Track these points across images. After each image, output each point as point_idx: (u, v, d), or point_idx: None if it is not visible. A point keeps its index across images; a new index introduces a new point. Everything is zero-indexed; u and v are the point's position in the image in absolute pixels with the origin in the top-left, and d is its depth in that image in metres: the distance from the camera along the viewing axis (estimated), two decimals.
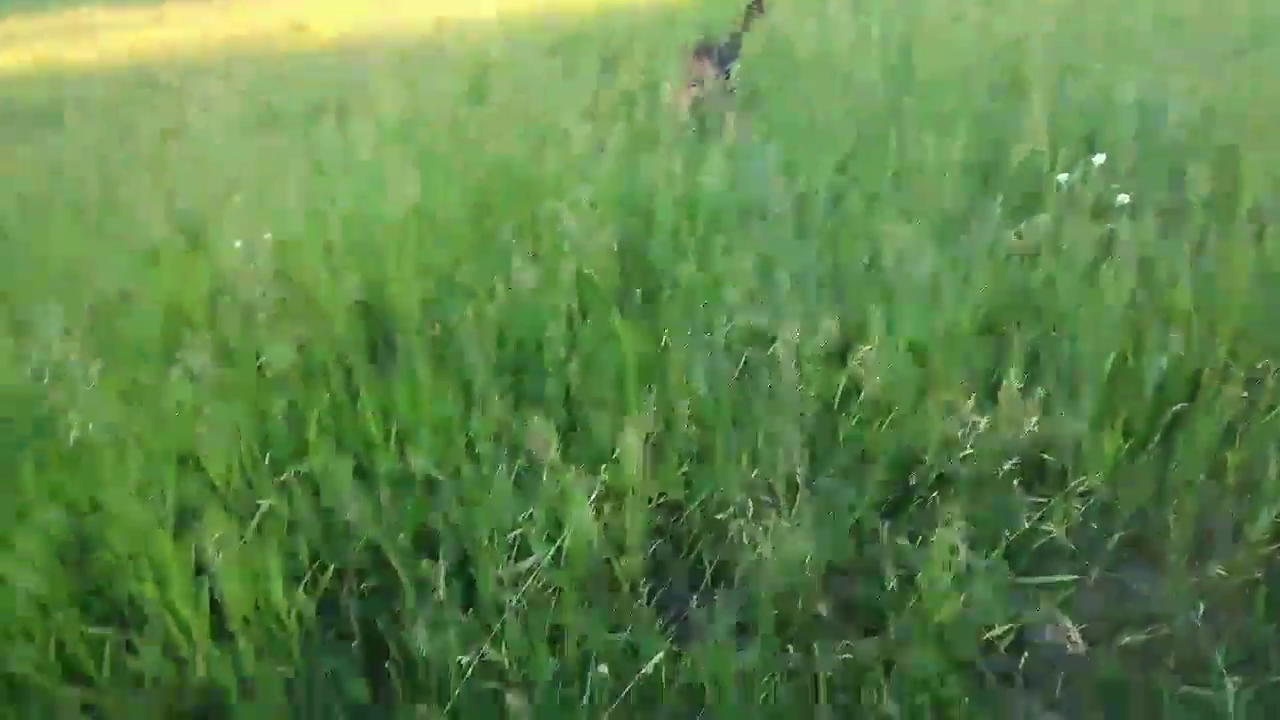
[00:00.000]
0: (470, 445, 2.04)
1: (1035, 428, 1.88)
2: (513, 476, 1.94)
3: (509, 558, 1.77)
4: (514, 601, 1.67)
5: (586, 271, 2.53)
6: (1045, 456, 2.04)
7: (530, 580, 1.72)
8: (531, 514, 1.82)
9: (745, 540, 1.75)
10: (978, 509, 1.87)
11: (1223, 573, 1.80)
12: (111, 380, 2.29)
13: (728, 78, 4.23)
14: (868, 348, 2.04)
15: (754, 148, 3.50)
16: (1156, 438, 2.04)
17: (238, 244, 2.72)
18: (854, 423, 2.11)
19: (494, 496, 1.88)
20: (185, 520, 1.90)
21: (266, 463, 2.04)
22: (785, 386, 2.02)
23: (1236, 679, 1.56)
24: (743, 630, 1.73)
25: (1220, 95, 3.70)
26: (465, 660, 1.59)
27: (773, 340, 2.06)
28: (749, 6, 4.57)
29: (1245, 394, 2.03)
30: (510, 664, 1.60)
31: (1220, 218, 2.64)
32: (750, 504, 1.79)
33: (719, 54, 4.28)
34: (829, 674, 1.60)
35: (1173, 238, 2.55)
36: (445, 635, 1.63)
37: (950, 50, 4.72)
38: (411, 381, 2.19)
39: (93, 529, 1.88)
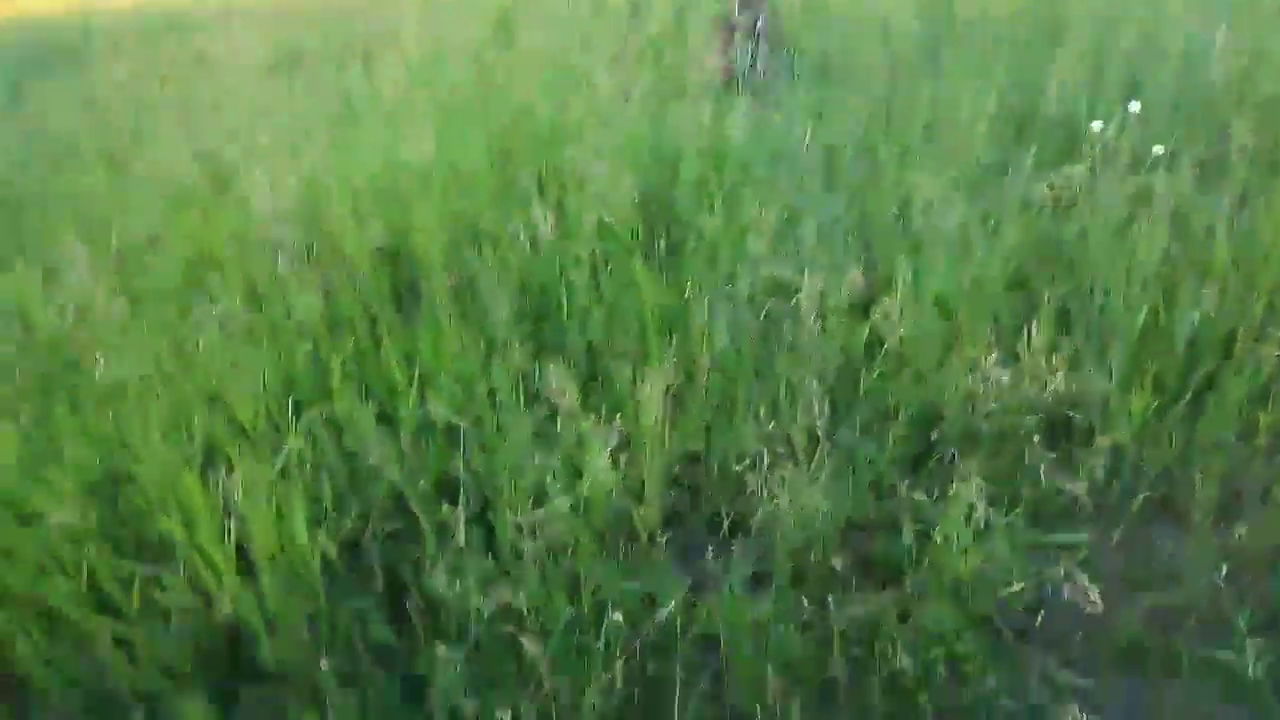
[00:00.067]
0: (491, 393, 2.05)
1: (1061, 384, 1.85)
2: (533, 425, 1.95)
3: (528, 505, 1.79)
4: (532, 548, 1.68)
5: (608, 221, 2.50)
6: (1071, 414, 2.01)
7: (549, 528, 1.73)
8: (551, 462, 1.83)
9: (763, 492, 1.75)
10: (999, 466, 1.85)
11: (1248, 535, 1.78)
12: (139, 323, 2.33)
13: (758, 26, 4.14)
14: (893, 300, 2.01)
15: (784, 97, 3.44)
16: (1186, 396, 2.00)
17: (264, 188, 2.72)
18: (876, 376, 2.09)
19: (514, 444, 1.89)
20: (212, 460, 1.93)
21: (291, 407, 2.06)
22: (808, 339, 2.01)
23: (1258, 641, 1.55)
24: (759, 582, 1.74)
25: (1265, 46, 3.56)
26: (484, 605, 1.61)
27: (797, 292, 2.04)
28: None
29: None
30: (528, 610, 1.62)
31: (1261, 172, 2.56)
32: (769, 456, 1.78)
33: (751, 2, 4.18)
34: (843, 627, 1.60)
35: (1211, 191, 2.48)
36: (465, 580, 1.65)
37: None
38: (434, 329, 2.20)
39: (122, 467, 1.92)
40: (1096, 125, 2.71)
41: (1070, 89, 3.10)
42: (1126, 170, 2.56)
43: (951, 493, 1.62)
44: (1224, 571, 1.70)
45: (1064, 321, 2.16)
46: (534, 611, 1.64)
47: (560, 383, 1.85)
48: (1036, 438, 1.87)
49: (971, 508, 1.59)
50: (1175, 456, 1.95)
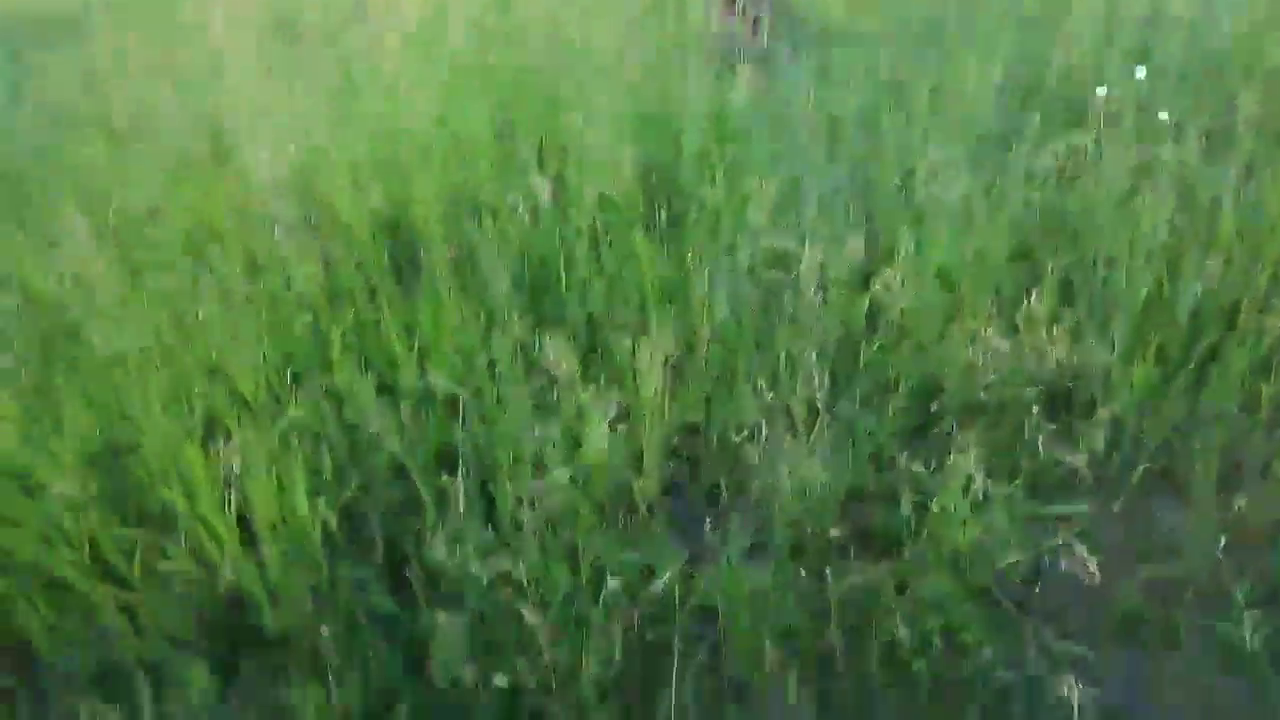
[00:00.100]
0: (491, 364, 2.05)
1: (1063, 356, 1.84)
2: (533, 396, 1.95)
3: (528, 476, 1.79)
4: (531, 519, 1.69)
5: (608, 192, 2.49)
6: (1072, 386, 2.00)
7: (548, 498, 1.74)
8: (550, 433, 1.83)
9: (763, 464, 1.75)
10: (999, 437, 1.85)
11: (1248, 507, 1.78)
12: (139, 293, 2.33)
13: None
14: (894, 272, 2.00)
15: (787, 66, 3.40)
16: (1189, 368, 2.00)
17: (264, 159, 2.71)
18: (877, 348, 2.09)
19: (513, 415, 1.89)
20: (213, 431, 1.94)
21: (290, 378, 2.06)
22: (808, 311, 2.00)
23: (1256, 614, 1.55)
24: (757, 552, 1.75)
25: (1276, 14, 3.51)
26: (483, 574, 1.62)
27: (798, 263, 2.03)
28: None
29: None
30: (527, 579, 1.63)
31: (1268, 142, 2.53)
32: (769, 428, 1.78)
33: None
34: (841, 597, 1.61)
35: (1217, 162, 2.46)
36: (465, 549, 1.66)
37: None
38: (434, 300, 2.19)
39: (123, 437, 1.92)
40: (1101, 92, 2.68)
41: (1077, 57, 3.06)
42: (1133, 140, 2.54)
43: (950, 464, 1.62)
44: (1223, 544, 1.70)
45: (1067, 293, 2.15)
46: (533, 581, 1.65)
47: (560, 354, 1.85)
48: (1036, 409, 1.86)
49: (970, 479, 1.59)
50: (1176, 428, 1.95)
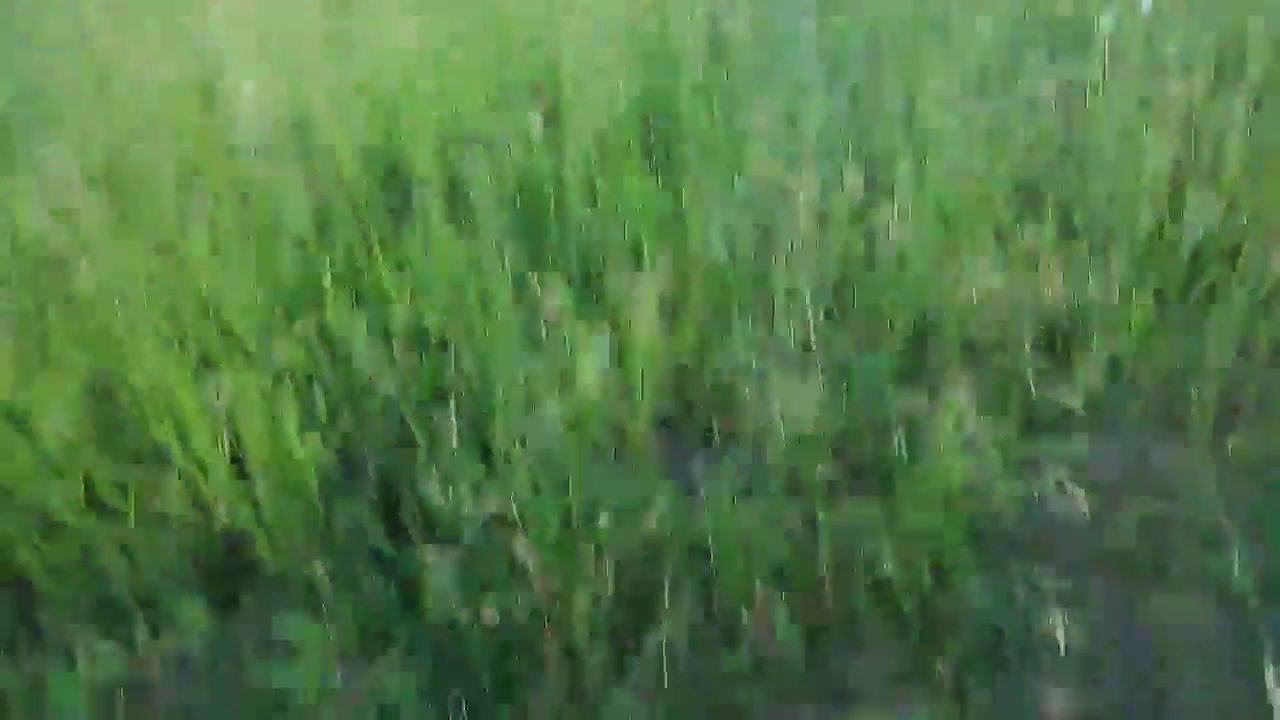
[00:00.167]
0: (483, 301, 2.03)
1: (1061, 292, 1.82)
2: (525, 333, 1.94)
3: (521, 413, 1.79)
4: (524, 456, 1.69)
5: (603, 127, 2.44)
6: (1069, 324, 1.99)
7: (541, 436, 1.73)
8: (543, 371, 1.82)
9: (757, 402, 1.75)
10: (993, 375, 1.84)
11: (1243, 445, 1.78)
12: (128, 227, 2.30)
13: None
14: (893, 205, 1.97)
15: None
16: (1188, 305, 1.98)
17: (251, 90, 2.65)
18: (873, 284, 2.06)
19: (506, 352, 1.88)
20: (205, 367, 1.93)
21: (282, 314, 2.05)
22: (805, 246, 1.97)
23: (1247, 551, 1.56)
24: (749, 489, 1.75)
25: None
26: (476, 511, 1.63)
27: (795, 197, 2.00)
28: None
29: None
30: (520, 515, 1.64)
31: (1276, 76, 2.47)
32: (763, 365, 1.77)
33: None
34: (831, 534, 1.62)
35: (1224, 95, 2.40)
36: (458, 486, 1.67)
37: None
38: (426, 236, 2.17)
39: (115, 373, 1.92)
40: (1107, 20, 2.60)
41: None
42: (1138, 72, 2.47)
43: (943, 401, 1.61)
44: (1217, 481, 1.70)
45: (1067, 228, 2.12)
46: (526, 517, 1.65)
47: (553, 290, 1.83)
48: (1029, 345, 1.85)
49: (962, 416, 1.58)
50: (1174, 366, 1.94)
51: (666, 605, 1.58)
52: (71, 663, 1.57)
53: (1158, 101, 2.30)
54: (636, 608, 1.63)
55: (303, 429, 1.76)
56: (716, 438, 1.92)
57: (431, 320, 2.00)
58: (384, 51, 2.91)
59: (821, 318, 1.88)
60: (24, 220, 2.45)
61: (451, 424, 1.77)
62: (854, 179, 2.06)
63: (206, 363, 1.97)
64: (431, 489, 1.71)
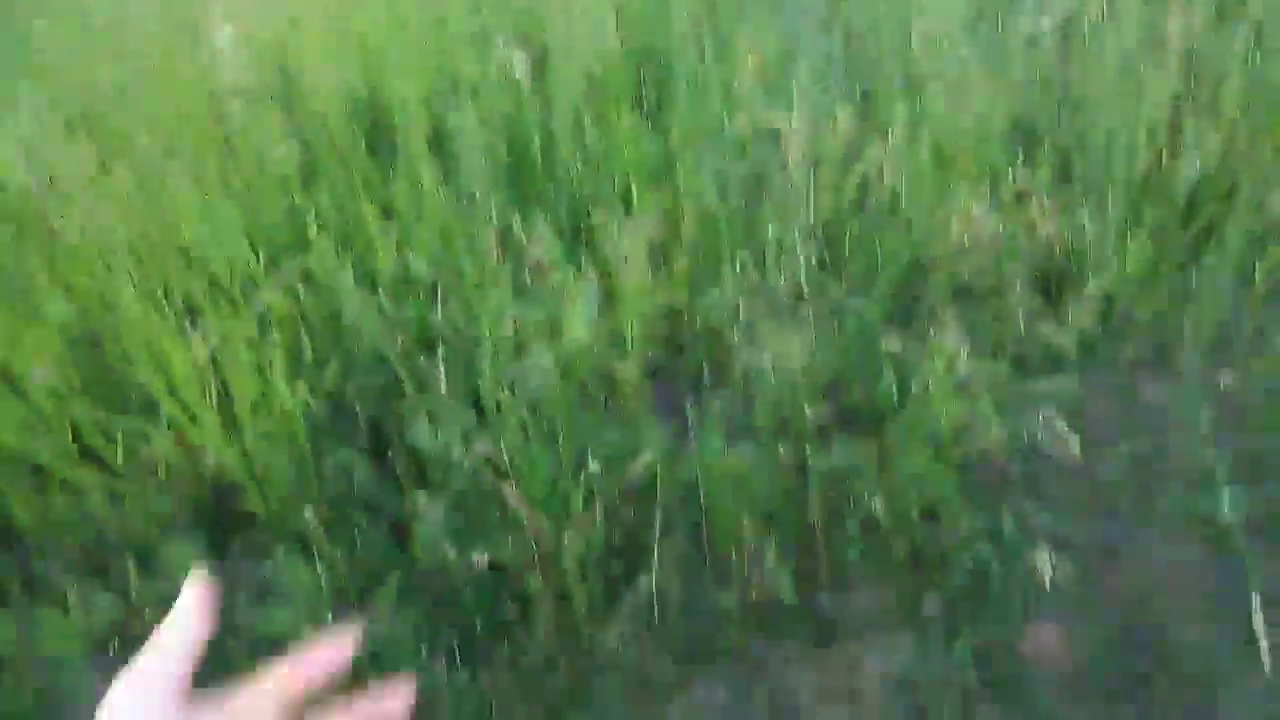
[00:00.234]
0: (471, 246, 2.01)
1: (1055, 231, 1.80)
2: (513, 279, 1.92)
3: (510, 359, 1.77)
4: (513, 402, 1.68)
5: (594, 69, 2.39)
6: (1064, 262, 1.97)
7: (529, 381, 1.72)
8: (532, 316, 1.81)
9: (747, 347, 1.73)
10: (986, 315, 1.83)
11: (1235, 384, 1.77)
12: (112, 177, 2.26)
13: None
14: (886, 146, 1.94)
15: None
16: (1184, 245, 1.95)
17: (233, 35, 2.60)
18: (865, 226, 2.04)
19: (494, 298, 1.86)
20: (190, 314, 1.92)
21: (267, 261, 2.03)
22: (796, 189, 1.95)
23: (1235, 489, 1.56)
24: (740, 433, 1.74)
25: None
26: (465, 457, 1.62)
27: (788, 140, 1.96)
28: None
29: None
30: (509, 460, 1.63)
31: (1278, 11, 2.42)
32: (753, 309, 1.76)
33: None
34: (821, 475, 1.61)
35: (1224, 31, 2.35)
36: (446, 431, 1.66)
37: None
38: (412, 182, 2.13)
39: (102, 322, 1.90)
40: None
41: None
42: (1138, 5, 2.42)
43: (934, 341, 1.60)
44: (1208, 420, 1.70)
45: (1064, 166, 2.09)
46: (515, 463, 1.65)
47: (541, 235, 1.81)
48: (1020, 284, 1.83)
49: (954, 359, 1.57)
50: (1168, 305, 1.92)
51: (657, 549, 1.58)
52: (65, 611, 1.57)
53: (1157, 36, 2.25)
54: (628, 553, 1.63)
55: (291, 377, 1.74)
56: (707, 383, 1.91)
57: (419, 268, 1.98)
58: None
59: (813, 261, 1.85)
60: (5, 172, 2.41)
61: (440, 372, 1.75)
62: (847, 120, 2.02)
63: (192, 311, 1.95)
64: (421, 435, 1.70)
